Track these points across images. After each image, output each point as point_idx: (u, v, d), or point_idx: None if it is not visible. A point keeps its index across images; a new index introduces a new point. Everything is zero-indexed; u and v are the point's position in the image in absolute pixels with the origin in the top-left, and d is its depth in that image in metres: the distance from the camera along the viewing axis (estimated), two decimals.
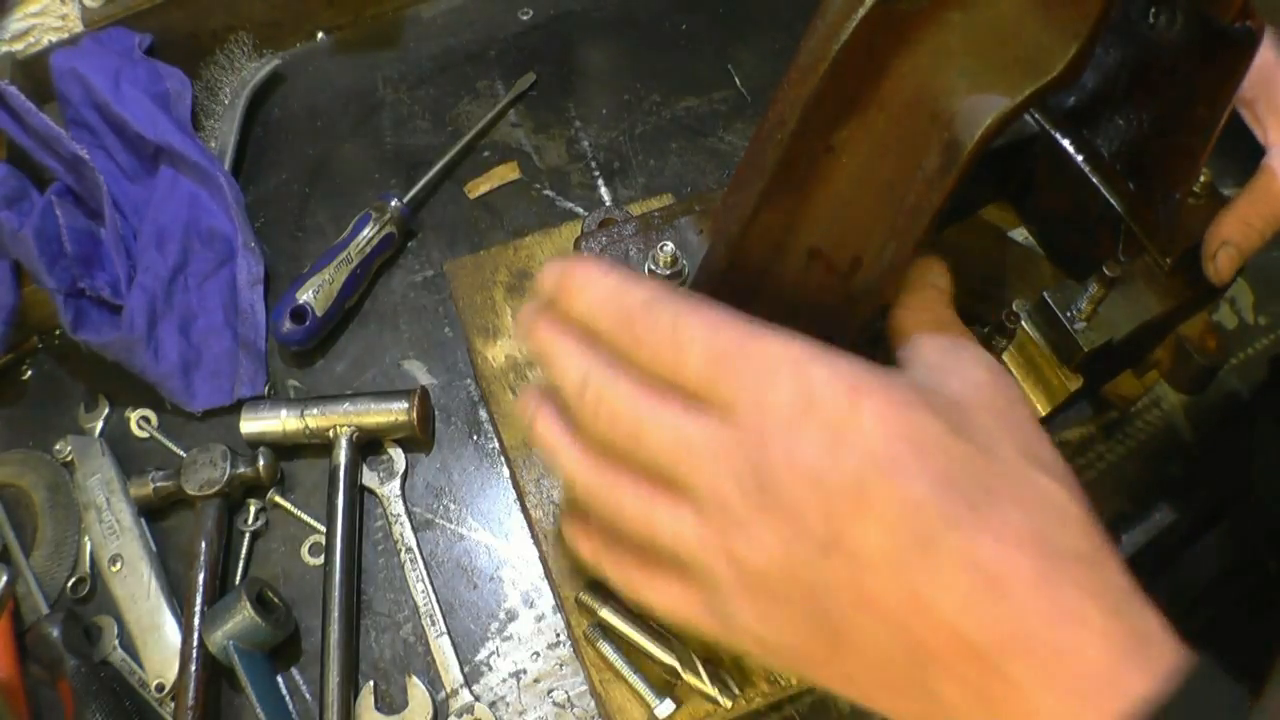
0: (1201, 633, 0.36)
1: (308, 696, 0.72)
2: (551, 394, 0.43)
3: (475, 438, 0.82)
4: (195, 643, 0.70)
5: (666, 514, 0.37)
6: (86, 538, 0.77)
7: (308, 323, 0.83)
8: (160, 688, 0.71)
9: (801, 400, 0.35)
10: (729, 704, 0.64)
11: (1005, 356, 0.63)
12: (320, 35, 1.06)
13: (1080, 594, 0.32)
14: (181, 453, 0.80)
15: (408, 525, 0.77)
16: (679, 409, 0.37)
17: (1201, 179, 0.63)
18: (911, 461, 0.33)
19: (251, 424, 0.78)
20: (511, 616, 0.74)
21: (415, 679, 0.71)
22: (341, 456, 0.77)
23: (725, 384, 0.36)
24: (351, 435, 0.78)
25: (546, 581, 0.74)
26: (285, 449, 0.80)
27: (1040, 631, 0.31)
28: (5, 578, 0.72)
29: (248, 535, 0.77)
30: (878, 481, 0.33)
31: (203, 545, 0.74)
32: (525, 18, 1.07)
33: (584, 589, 0.66)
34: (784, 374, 0.35)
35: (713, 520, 0.36)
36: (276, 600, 0.72)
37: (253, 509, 0.78)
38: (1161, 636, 0.32)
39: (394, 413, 0.78)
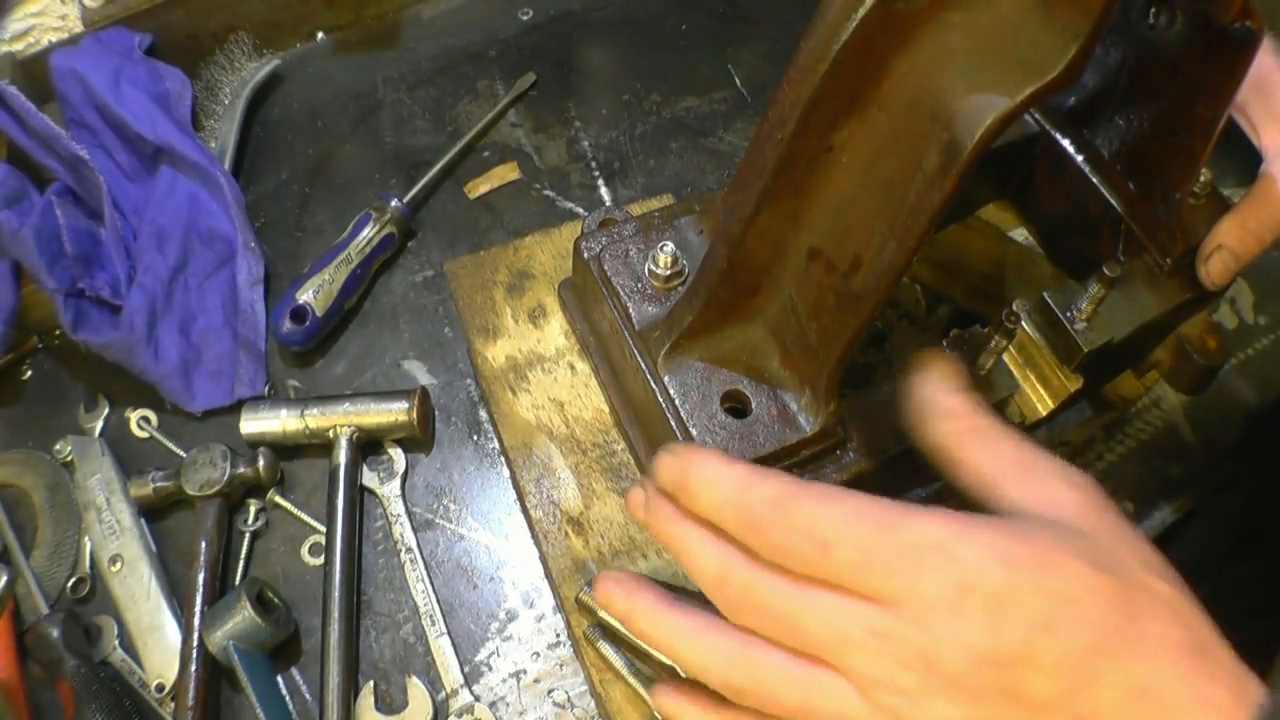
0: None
1: (308, 696, 0.72)
2: (640, 580, 0.46)
3: (475, 438, 0.82)
4: (195, 643, 0.70)
5: (827, 696, 0.39)
6: (86, 538, 0.77)
7: (308, 323, 0.82)
8: (160, 688, 0.71)
9: (958, 584, 0.37)
10: None
11: (1005, 356, 0.63)
12: (320, 35, 1.06)
13: (1209, 680, 0.37)
14: (181, 453, 0.80)
15: (408, 525, 0.77)
16: (832, 599, 0.39)
17: (1202, 179, 0.63)
18: (1069, 615, 0.37)
19: (251, 424, 0.78)
20: (511, 616, 0.74)
21: (415, 679, 0.71)
22: (341, 456, 0.77)
23: (877, 577, 0.38)
24: (351, 435, 0.78)
25: (546, 581, 0.74)
26: (285, 449, 0.80)
27: None
28: (5, 578, 0.72)
29: (248, 535, 0.77)
30: (1044, 641, 0.37)
31: (203, 545, 0.74)
32: (525, 18, 1.07)
33: (584, 589, 0.66)
34: (936, 560, 0.38)
35: (881, 698, 0.38)
36: (276, 600, 0.72)
37: (253, 509, 0.78)
38: (1260, 691, 0.37)
39: (394, 413, 0.78)
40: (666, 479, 0.43)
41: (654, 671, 0.66)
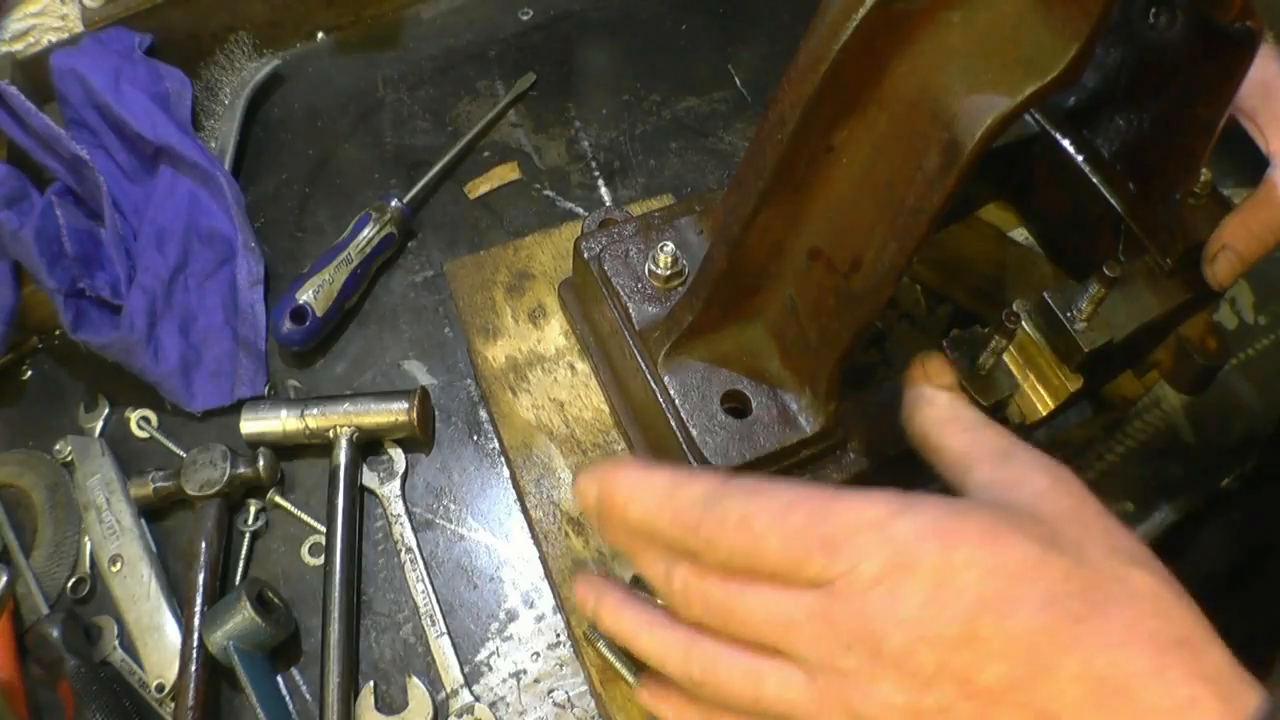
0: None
1: (308, 696, 0.72)
2: (611, 582, 0.47)
3: (475, 438, 0.82)
4: (195, 643, 0.70)
5: (774, 682, 0.39)
6: (86, 538, 0.77)
7: (308, 323, 0.82)
8: (160, 688, 0.71)
9: (894, 561, 0.36)
10: None
11: (1005, 356, 0.63)
12: (320, 35, 1.06)
13: (1191, 680, 0.33)
14: (181, 453, 0.80)
15: (408, 525, 0.77)
16: (771, 587, 0.38)
17: (1202, 179, 0.63)
18: (1014, 593, 0.35)
19: (251, 424, 0.78)
20: (511, 616, 0.74)
21: (415, 679, 0.71)
22: (341, 456, 0.77)
23: (813, 562, 0.37)
24: (351, 435, 0.78)
25: (546, 581, 0.74)
26: (285, 449, 0.80)
27: None
28: (5, 578, 0.72)
29: (248, 535, 0.77)
30: (987, 621, 0.34)
31: (203, 545, 0.74)
32: (525, 18, 1.07)
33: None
34: (870, 539, 0.36)
35: (827, 683, 0.37)
36: (276, 600, 0.72)
37: (253, 509, 0.78)
38: (1258, 698, 0.33)
39: (394, 413, 0.78)
40: (590, 499, 0.43)
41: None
